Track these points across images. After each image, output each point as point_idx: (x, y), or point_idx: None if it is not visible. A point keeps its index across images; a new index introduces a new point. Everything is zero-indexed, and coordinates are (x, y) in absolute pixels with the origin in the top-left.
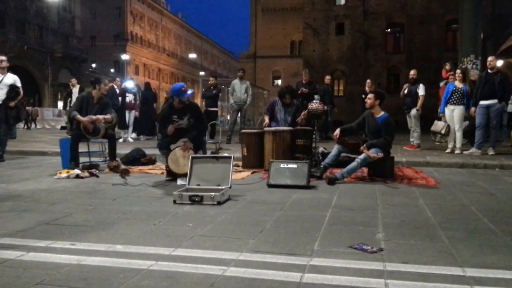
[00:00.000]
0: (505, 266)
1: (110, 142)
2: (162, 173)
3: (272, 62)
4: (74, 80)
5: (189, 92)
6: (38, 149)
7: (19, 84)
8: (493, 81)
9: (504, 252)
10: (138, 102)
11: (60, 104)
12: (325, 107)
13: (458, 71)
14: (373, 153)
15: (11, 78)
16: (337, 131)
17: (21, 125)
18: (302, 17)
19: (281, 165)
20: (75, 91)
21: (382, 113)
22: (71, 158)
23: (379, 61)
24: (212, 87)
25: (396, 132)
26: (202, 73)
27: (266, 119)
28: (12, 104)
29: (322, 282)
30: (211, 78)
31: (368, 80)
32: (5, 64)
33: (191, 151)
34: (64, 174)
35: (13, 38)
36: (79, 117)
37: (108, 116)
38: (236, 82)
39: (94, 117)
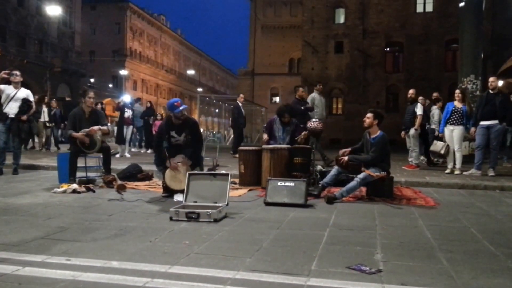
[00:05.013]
0: None
1: (105, 155)
2: (157, 189)
3: (270, 80)
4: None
5: (181, 107)
6: (35, 162)
7: (31, 98)
8: (494, 101)
9: (506, 275)
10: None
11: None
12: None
13: (457, 91)
14: (374, 172)
15: (24, 93)
16: (345, 158)
17: None
18: (301, 35)
19: (279, 183)
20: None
21: (378, 132)
22: (70, 174)
23: (378, 80)
24: (301, 99)
25: (387, 151)
26: (200, 89)
27: (265, 136)
28: (24, 117)
29: None
30: (300, 89)
31: (421, 97)
32: (18, 78)
33: (188, 167)
34: (63, 188)
35: (13, 52)
36: (74, 133)
37: (104, 127)
38: (316, 96)
39: (87, 129)
